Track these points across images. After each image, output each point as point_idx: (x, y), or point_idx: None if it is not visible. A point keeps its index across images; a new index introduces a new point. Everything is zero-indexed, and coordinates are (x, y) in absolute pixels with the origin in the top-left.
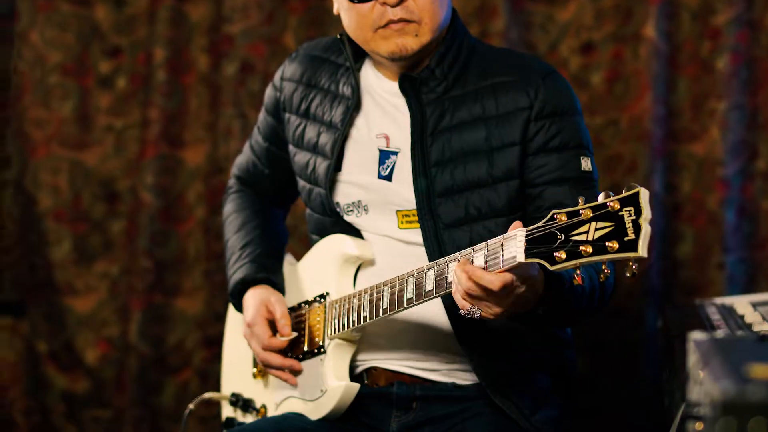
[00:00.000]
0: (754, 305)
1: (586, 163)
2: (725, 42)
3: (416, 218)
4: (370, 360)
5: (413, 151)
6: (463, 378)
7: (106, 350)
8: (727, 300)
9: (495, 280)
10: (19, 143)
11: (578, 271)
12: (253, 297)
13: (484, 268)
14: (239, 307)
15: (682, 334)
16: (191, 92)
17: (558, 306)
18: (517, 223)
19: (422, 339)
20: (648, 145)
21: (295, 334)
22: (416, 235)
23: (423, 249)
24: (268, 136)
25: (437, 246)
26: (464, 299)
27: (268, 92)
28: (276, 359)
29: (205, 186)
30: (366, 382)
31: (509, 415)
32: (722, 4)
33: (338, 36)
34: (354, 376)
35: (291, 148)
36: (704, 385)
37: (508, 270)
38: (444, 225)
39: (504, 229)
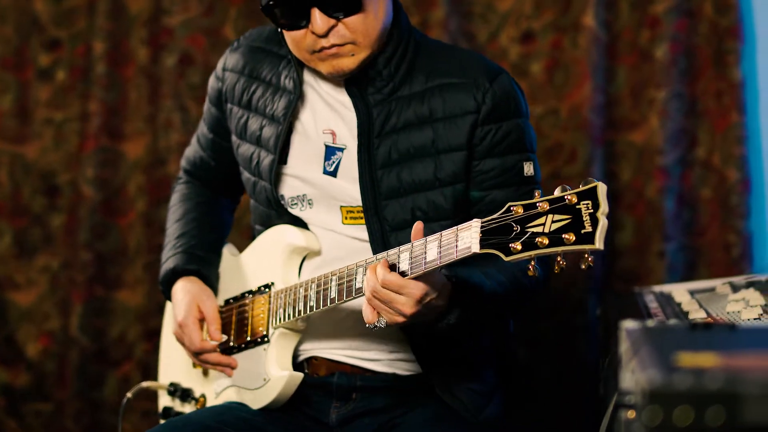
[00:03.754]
0: (692, 293)
1: (528, 168)
2: (664, 31)
3: (360, 215)
4: (312, 349)
5: (360, 153)
6: (405, 369)
7: (47, 344)
8: (666, 288)
9: (399, 281)
10: None
11: (533, 263)
12: (183, 291)
13: (436, 261)
14: (168, 296)
15: (619, 323)
16: (131, 84)
17: (470, 313)
18: (418, 229)
19: (364, 328)
20: (587, 134)
21: (224, 338)
22: (360, 231)
23: (367, 245)
24: (213, 126)
25: (383, 248)
26: (372, 309)
27: (211, 82)
28: (212, 358)
29: (146, 178)
30: (307, 371)
31: (457, 411)
32: None
33: (279, 30)
34: (295, 366)
35: (234, 139)
36: (634, 373)
37: (427, 273)
38: (390, 227)
39: None
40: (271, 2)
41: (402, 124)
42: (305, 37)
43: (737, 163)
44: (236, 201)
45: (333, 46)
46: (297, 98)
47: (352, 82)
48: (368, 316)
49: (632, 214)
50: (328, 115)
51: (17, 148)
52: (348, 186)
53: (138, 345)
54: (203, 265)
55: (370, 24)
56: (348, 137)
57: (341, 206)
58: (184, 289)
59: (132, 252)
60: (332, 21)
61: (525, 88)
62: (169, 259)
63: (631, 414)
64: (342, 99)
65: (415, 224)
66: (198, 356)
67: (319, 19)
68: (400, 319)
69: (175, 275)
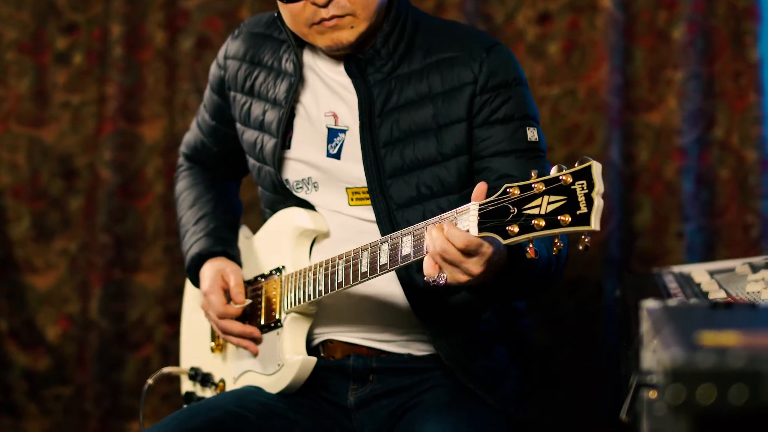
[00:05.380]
0: (711, 273)
1: (532, 133)
2: (681, 11)
3: (366, 196)
4: (327, 332)
5: (362, 133)
6: (419, 349)
7: (67, 327)
8: (685, 268)
9: (477, 240)
10: None
11: (531, 245)
12: (209, 269)
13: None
14: (196, 283)
15: (638, 303)
16: (148, 68)
17: (516, 279)
18: (481, 190)
19: (378, 310)
20: (605, 115)
21: (249, 301)
22: (367, 212)
23: (375, 225)
24: (214, 114)
25: (390, 226)
26: (435, 264)
27: (213, 71)
28: (235, 327)
29: (164, 161)
30: (323, 354)
31: (472, 390)
32: None
33: (275, 14)
34: (310, 349)
35: (238, 126)
36: (656, 353)
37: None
38: (396, 205)
39: (456, 206)
40: None
41: (403, 102)
42: (304, 9)
43: (755, 144)
44: (239, 183)
45: (333, 17)
46: (297, 81)
47: (351, 63)
48: (429, 270)
49: (650, 195)
50: (329, 98)
51: (35, 131)
52: (352, 167)
53: (158, 328)
54: (228, 245)
55: None
56: (350, 119)
57: (347, 188)
58: (212, 268)
59: (150, 235)
60: None
61: (542, 69)
62: (193, 246)
63: (652, 393)
64: (342, 81)
65: (479, 185)
66: (221, 322)
67: None
68: (465, 278)
69: (201, 259)
